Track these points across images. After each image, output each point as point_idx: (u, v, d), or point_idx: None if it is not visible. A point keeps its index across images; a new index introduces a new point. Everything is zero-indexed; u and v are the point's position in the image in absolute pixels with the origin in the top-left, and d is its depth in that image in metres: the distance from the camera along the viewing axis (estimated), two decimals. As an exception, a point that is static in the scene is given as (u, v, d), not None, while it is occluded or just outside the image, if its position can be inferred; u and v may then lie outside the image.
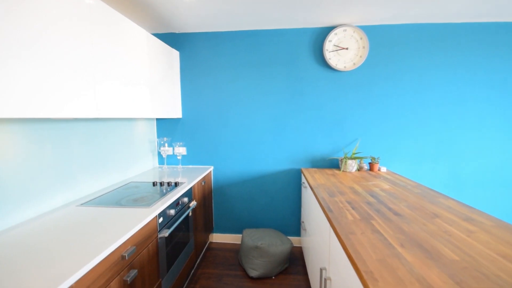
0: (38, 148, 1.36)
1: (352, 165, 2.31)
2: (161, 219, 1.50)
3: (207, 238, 2.71)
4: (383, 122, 2.44)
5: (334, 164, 2.54)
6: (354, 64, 2.30)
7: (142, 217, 1.31)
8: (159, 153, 2.71)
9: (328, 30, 2.35)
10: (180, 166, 2.65)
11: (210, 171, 2.63)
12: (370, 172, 2.30)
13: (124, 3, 1.88)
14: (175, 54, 2.47)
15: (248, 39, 2.48)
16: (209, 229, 2.62)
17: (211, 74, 2.56)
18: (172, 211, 1.63)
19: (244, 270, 2.27)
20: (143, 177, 2.21)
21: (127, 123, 2.19)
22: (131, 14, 2.09)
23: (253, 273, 2.15)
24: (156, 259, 1.44)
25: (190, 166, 2.67)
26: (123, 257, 1.11)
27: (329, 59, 2.32)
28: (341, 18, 2.17)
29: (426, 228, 1.10)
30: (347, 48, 2.28)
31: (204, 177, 2.37)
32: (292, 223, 2.67)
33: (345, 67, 2.32)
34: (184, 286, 2.04)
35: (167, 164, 2.72)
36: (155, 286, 1.43)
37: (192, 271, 2.25)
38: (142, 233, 1.28)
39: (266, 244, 2.18)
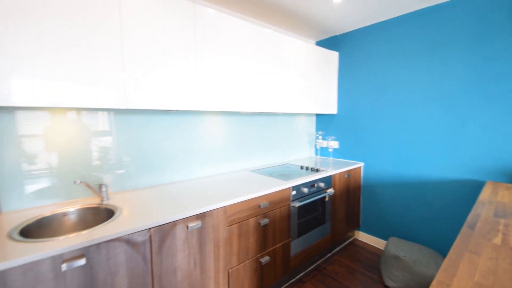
0: (233, 131, 2.23)
1: None
2: (294, 192, 1.88)
3: (352, 233, 2.73)
4: None
5: None
6: None
7: (277, 185, 1.75)
8: (315, 145, 3.09)
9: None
10: (331, 158, 2.88)
11: (359, 167, 2.60)
12: None
13: (294, 24, 2.41)
14: (333, 55, 2.70)
15: (412, 21, 2.16)
16: (354, 225, 2.63)
17: (368, 69, 2.51)
18: (306, 189, 1.95)
19: (381, 277, 2.11)
20: (297, 162, 2.70)
21: (290, 118, 2.77)
22: (300, 31, 2.60)
23: (389, 283, 1.95)
24: (287, 222, 1.84)
25: (341, 159, 2.80)
26: (259, 206, 1.61)
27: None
28: None
29: None
30: None
31: (348, 171, 2.43)
32: (466, 252, 2.00)
33: None
34: (317, 262, 2.30)
35: (320, 155, 3.03)
36: (284, 242, 1.84)
37: (329, 254, 2.43)
38: (275, 195, 1.73)
39: (410, 259, 1.88)
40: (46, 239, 0.99)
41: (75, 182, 1.35)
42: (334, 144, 2.85)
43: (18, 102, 1.06)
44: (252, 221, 1.60)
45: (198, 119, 1.98)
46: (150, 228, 1.16)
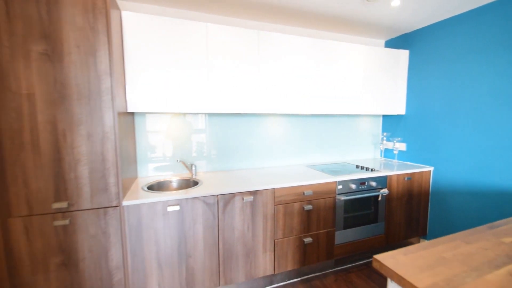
0: (292, 130, 2.57)
1: None
2: (340, 186, 2.07)
3: (417, 240, 2.59)
4: None
5: None
6: None
7: (322, 178, 2.00)
8: (380, 146, 3.03)
9: None
10: (395, 160, 2.78)
11: (428, 172, 2.44)
12: None
13: (361, 29, 2.53)
14: (403, 54, 2.61)
15: (496, 11, 1.91)
16: (418, 232, 2.50)
17: (442, 66, 2.33)
18: (353, 186, 2.10)
19: None
20: (357, 162, 2.77)
21: (352, 118, 2.86)
22: (368, 34, 2.66)
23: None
24: (332, 212, 2.06)
25: (407, 162, 2.68)
26: (303, 193, 1.92)
27: None
28: None
29: None
30: None
31: (410, 174, 2.35)
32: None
33: None
34: (368, 259, 2.36)
35: (385, 157, 2.96)
36: (329, 230, 2.06)
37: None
38: (320, 187, 1.98)
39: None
40: (160, 192, 1.65)
41: (177, 160, 2.05)
42: (400, 146, 2.75)
43: (143, 109, 1.77)
44: (296, 205, 1.92)
45: (262, 120, 2.43)
46: (217, 195, 1.68)
